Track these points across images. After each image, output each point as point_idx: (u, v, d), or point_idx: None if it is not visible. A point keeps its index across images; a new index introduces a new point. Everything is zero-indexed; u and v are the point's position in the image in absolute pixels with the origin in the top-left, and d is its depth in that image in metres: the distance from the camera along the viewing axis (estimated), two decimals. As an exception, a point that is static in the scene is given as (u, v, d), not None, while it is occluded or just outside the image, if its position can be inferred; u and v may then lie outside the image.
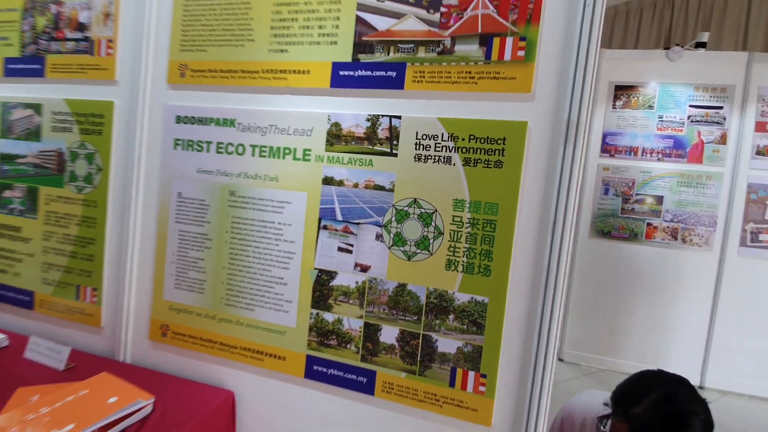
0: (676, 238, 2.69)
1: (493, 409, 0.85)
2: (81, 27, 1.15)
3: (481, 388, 0.86)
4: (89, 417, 0.77)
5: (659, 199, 2.72)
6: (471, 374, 0.87)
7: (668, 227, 2.70)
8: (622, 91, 2.78)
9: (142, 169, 1.09)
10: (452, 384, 0.88)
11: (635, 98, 2.76)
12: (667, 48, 2.73)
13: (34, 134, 1.20)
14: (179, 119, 1.06)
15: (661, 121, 2.70)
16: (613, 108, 2.80)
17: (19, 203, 1.22)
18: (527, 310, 0.83)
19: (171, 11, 1.07)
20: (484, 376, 0.86)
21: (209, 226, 1.04)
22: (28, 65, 1.21)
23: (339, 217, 0.93)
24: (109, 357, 1.12)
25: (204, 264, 1.04)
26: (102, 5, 1.13)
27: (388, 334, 0.91)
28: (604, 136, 2.84)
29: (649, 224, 2.73)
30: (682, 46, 2.70)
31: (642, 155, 2.75)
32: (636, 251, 2.75)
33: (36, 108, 1.19)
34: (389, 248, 0.90)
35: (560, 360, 3.00)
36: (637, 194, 2.76)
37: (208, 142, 1.04)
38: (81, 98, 1.15)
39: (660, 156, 2.72)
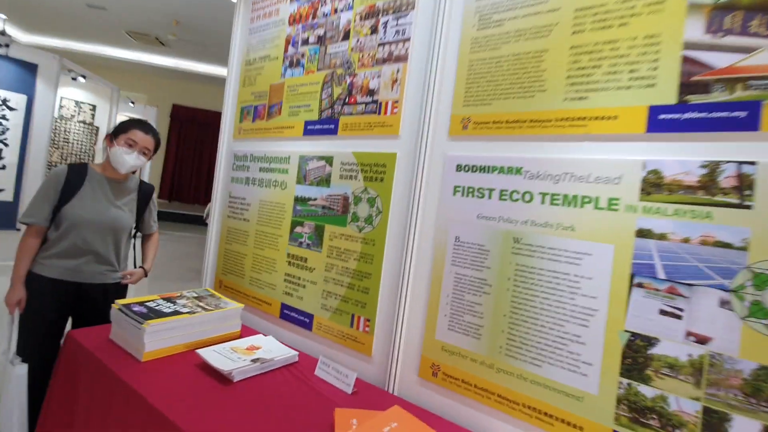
0: None
1: None
2: (371, 92, 1.36)
3: None
4: (409, 451, 0.80)
5: None
6: None
7: None
8: None
9: (419, 213, 1.19)
10: None
11: None
12: None
13: (324, 181, 1.44)
14: (459, 167, 1.13)
15: None
16: None
17: (307, 238, 1.46)
18: None
19: (454, 73, 1.17)
20: None
21: (488, 272, 1.05)
22: (325, 125, 1.48)
23: (661, 275, 0.82)
24: (378, 386, 1.20)
25: (481, 309, 1.05)
26: (390, 73, 1.32)
27: (743, 428, 0.73)
28: None
29: None
30: None
31: None
32: None
33: (328, 160, 1.44)
34: (743, 319, 0.74)
35: None
36: None
37: (491, 189, 1.07)
38: (366, 151, 1.34)
39: None
